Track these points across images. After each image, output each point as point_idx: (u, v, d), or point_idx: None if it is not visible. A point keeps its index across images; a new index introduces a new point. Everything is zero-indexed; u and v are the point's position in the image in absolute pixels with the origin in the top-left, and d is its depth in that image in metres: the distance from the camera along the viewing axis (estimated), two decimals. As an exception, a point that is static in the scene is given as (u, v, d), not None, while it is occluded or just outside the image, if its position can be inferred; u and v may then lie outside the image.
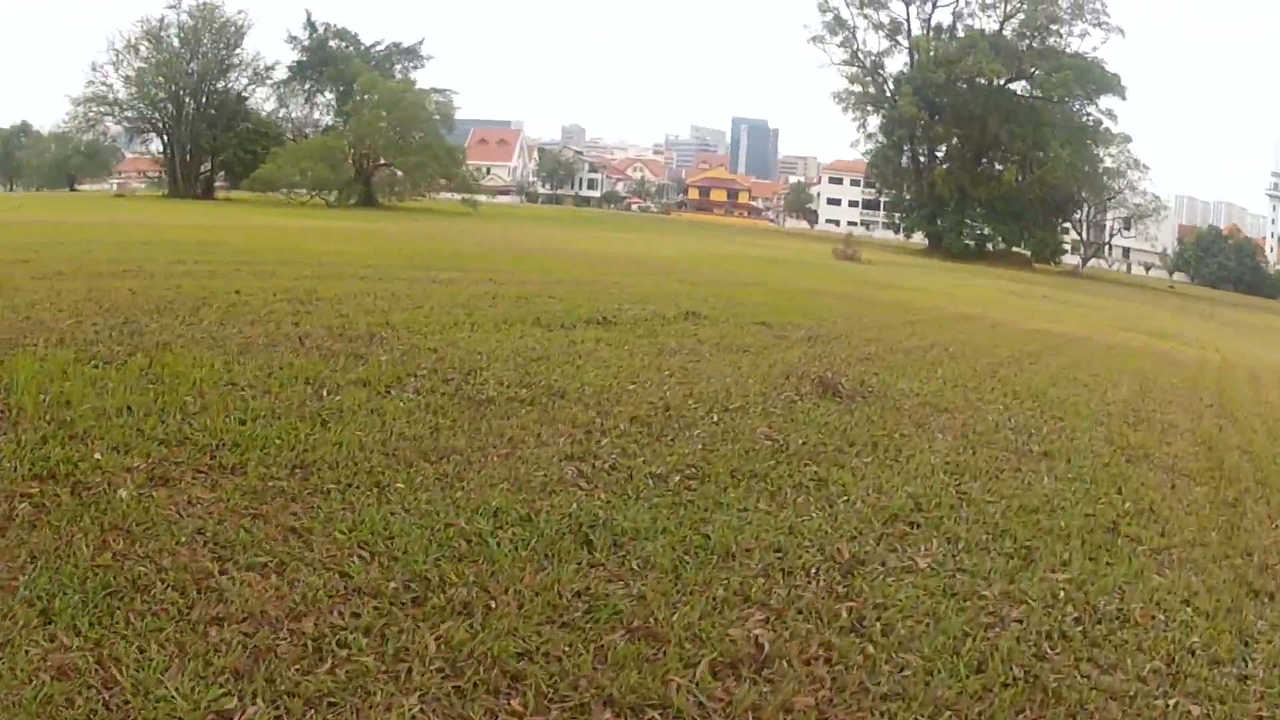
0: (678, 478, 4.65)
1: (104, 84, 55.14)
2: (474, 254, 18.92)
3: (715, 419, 5.96)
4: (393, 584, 3.18)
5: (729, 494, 4.50)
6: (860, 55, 63.17)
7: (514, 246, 23.46)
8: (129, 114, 56.82)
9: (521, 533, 3.73)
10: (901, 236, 68.41)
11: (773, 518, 4.24)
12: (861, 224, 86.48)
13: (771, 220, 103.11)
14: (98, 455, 3.95)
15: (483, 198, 76.05)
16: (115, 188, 67.27)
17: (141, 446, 4.15)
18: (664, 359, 7.88)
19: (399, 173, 52.76)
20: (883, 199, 74.15)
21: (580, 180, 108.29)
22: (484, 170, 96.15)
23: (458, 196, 55.74)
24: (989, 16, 60.55)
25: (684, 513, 4.16)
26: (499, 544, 3.59)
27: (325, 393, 5.44)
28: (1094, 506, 5.08)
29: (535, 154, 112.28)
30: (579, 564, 3.52)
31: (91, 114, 56.77)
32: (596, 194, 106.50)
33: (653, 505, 4.20)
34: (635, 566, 3.56)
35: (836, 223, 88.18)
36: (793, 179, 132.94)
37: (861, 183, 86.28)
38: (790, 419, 6.18)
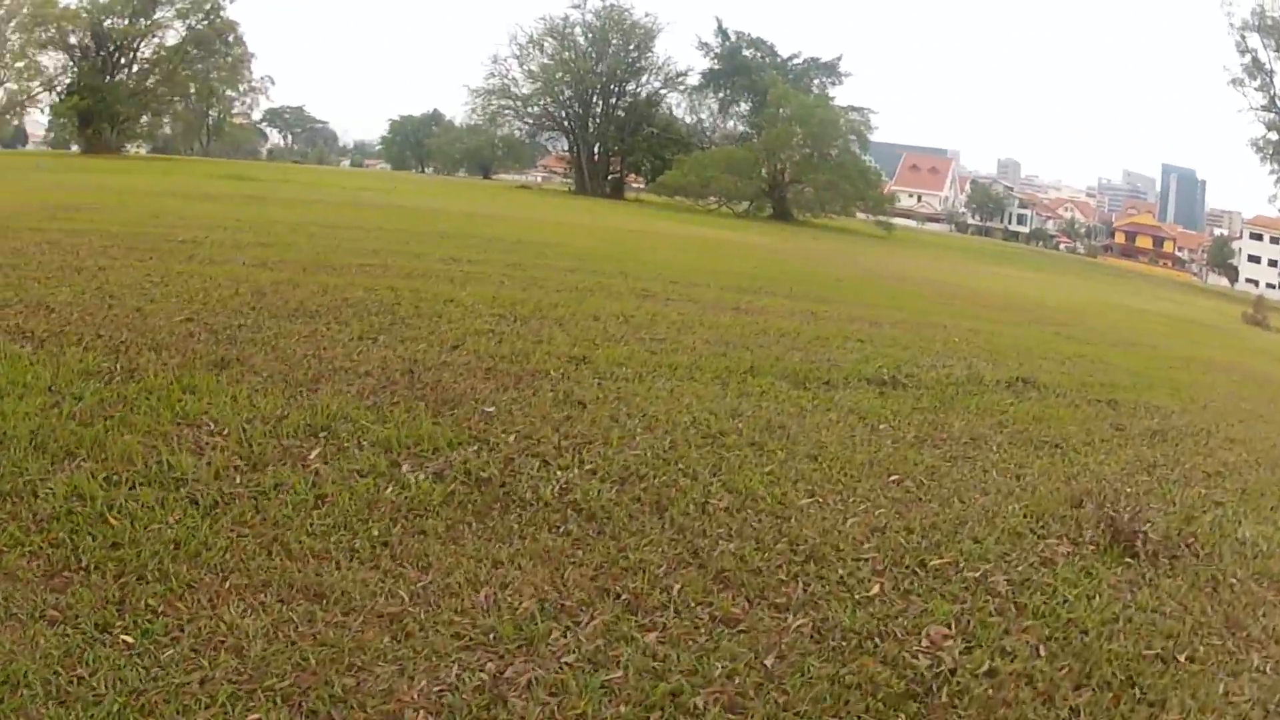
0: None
1: (506, 77, 56.64)
2: (852, 280, 17.21)
3: (895, 580, 3.67)
4: None
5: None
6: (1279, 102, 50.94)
7: (897, 276, 21.00)
8: (533, 109, 57.77)
9: None
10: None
11: None
12: (1280, 286, 72.00)
13: (1194, 274, 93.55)
14: None
15: (910, 223, 72.60)
16: (535, 180, 70.52)
17: None
18: (919, 450, 5.51)
19: (809, 189, 51.14)
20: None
21: (1010, 215, 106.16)
22: (913, 197, 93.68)
23: (873, 218, 53.32)
24: None
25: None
26: None
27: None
28: None
29: (967, 185, 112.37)
30: None
31: (492, 106, 58.11)
32: (1025, 229, 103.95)
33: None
34: None
35: (1255, 282, 76.45)
36: (1218, 231, 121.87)
37: (1282, 242, 71.42)
38: (1020, 596, 3.67)
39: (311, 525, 3.54)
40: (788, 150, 50.16)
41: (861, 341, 8.97)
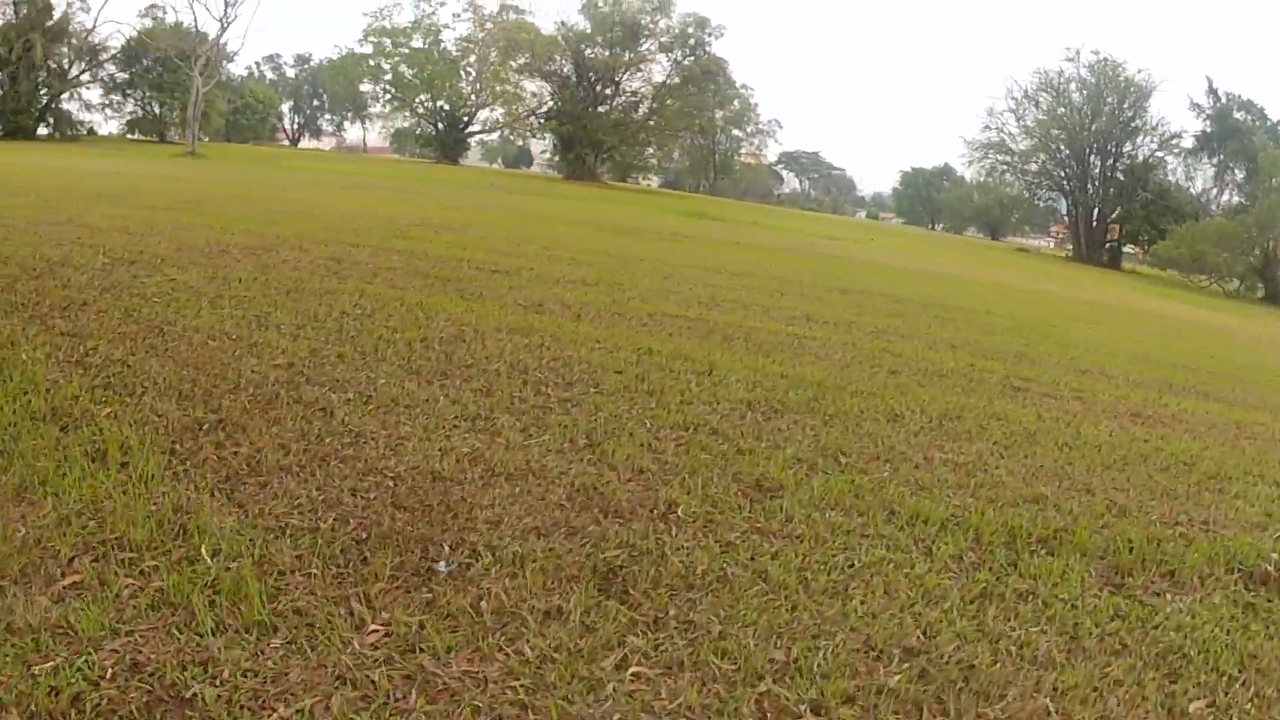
0: None
1: (1003, 131, 56.14)
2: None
3: None
4: None
5: None
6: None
7: None
8: (1031, 167, 56.89)
9: None
10: None
11: None
12: None
13: None
14: None
15: None
16: (1038, 245, 68.75)
17: None
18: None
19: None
20: None
21: None
22: None
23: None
24: None
25: None
26: None
27: None
28: None
29: None
30: None
31: (988, 160, 58.44)
32: None
33: None
34: None
35: None
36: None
37: None
38: None
39: None
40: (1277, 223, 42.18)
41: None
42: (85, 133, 49.72)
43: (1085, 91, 53.73)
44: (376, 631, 2.76)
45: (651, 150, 64.02)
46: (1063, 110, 54.01)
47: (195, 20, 55.32)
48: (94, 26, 48.66)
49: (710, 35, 57.46)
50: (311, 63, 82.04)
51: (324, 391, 5.06)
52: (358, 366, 5.70)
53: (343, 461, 4.07)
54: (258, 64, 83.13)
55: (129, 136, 52.40)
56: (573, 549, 3.39)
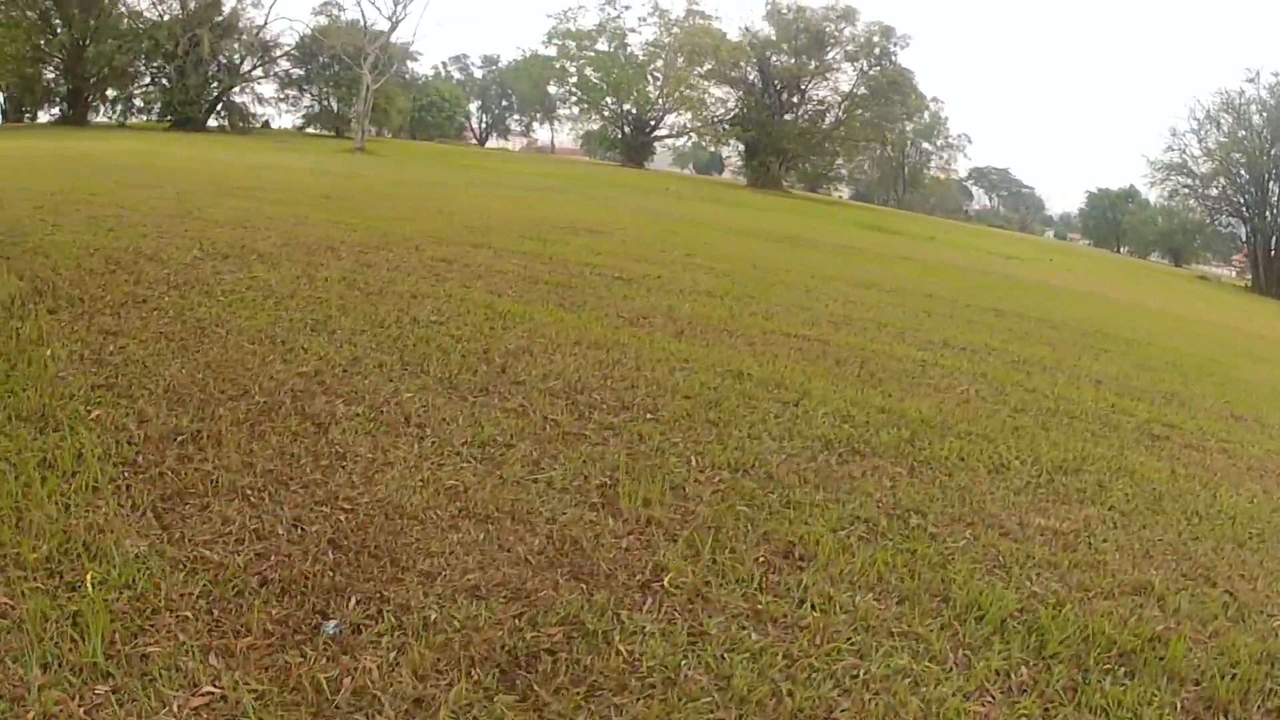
0: None
1: (1184, 153, 52.81)
2: None
3: None
4: None
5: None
6: None
7: None
8: (1211, 191, 53.07)
9: None
10: None
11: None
12: None
13: None
14: None
15: None
16: (1220, 274, 64.56)
17: None
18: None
19: None
20: None
21: None
22: None
23: None
24: None
25: None
26: None
27: None
28: None
29: None
30: None
31: (1170, 182, 54.92)
32: None
33: None
34: None
35: None
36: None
37: None
38: None
39: None
40: None
41: None
42: (260, 126, 52.97)
43: (1265, 114, 49.32)
44: (208, 695, 2.38)
45: (840, 161, 63.14)
46: (1243, 133, 50.02)
47: (363, 18, 57.47)
48: (265, 23, 51.49)
49: (896, 45, 56.06)
50: (499, 64, 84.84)
51: (333, 404, 4.77)
52: (391, 378, 5.40)
53: (304, 487, 3.73)
54: (444, 64, 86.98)
55: (306, 131, 55.37)
56: (501, 621, 2.88)
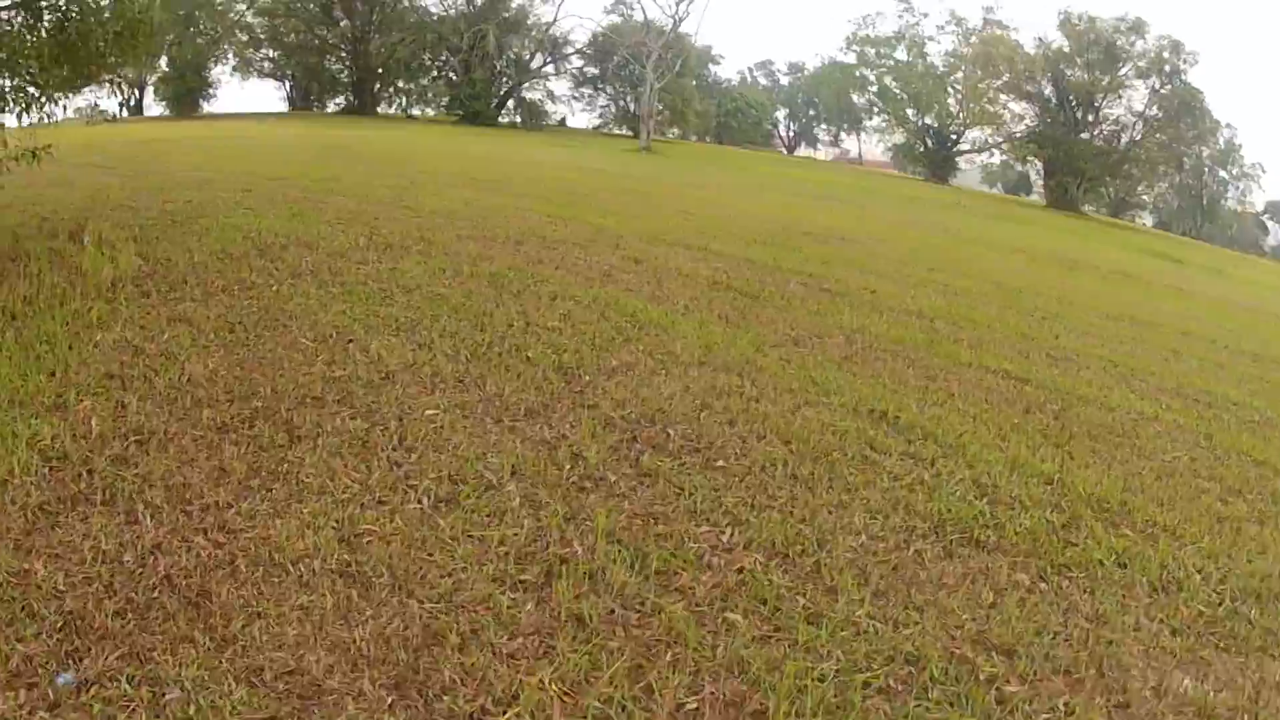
0: None
1: None
2: None
3: None
4: None
5: None
6: None
7: None
8: None
9: None
10: None
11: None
12: None
13: None
14: None
15: None
16: None
17: None
18: None
19: None
20: None
21: None
22: None
23: None
24: None
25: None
26: None
27: None
28: None
29: None
30: None
31: None
32: None
33: None
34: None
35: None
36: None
37: None
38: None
39: None
40: None
41: None
42: (558, 123, 55.24)
43: None
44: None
45: (1142, 186, 58.28)
46: None
47: (644, 14, 58.19)
48: (554, 19, 53.10)
49: (1185, 62, 50.45)
50: (805, 71, 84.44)
51: (328, 418, 4.42)
52: (434, 389, 4.96)
53: (203, 509, 3.44)
54: (750, 69, 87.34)
55: (601, 130, 57.26)
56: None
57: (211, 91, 46.72)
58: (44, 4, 7.59)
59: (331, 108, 50.07)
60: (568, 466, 4.27)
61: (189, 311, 5.91)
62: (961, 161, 63.64)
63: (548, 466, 4.23)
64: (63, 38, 7.57)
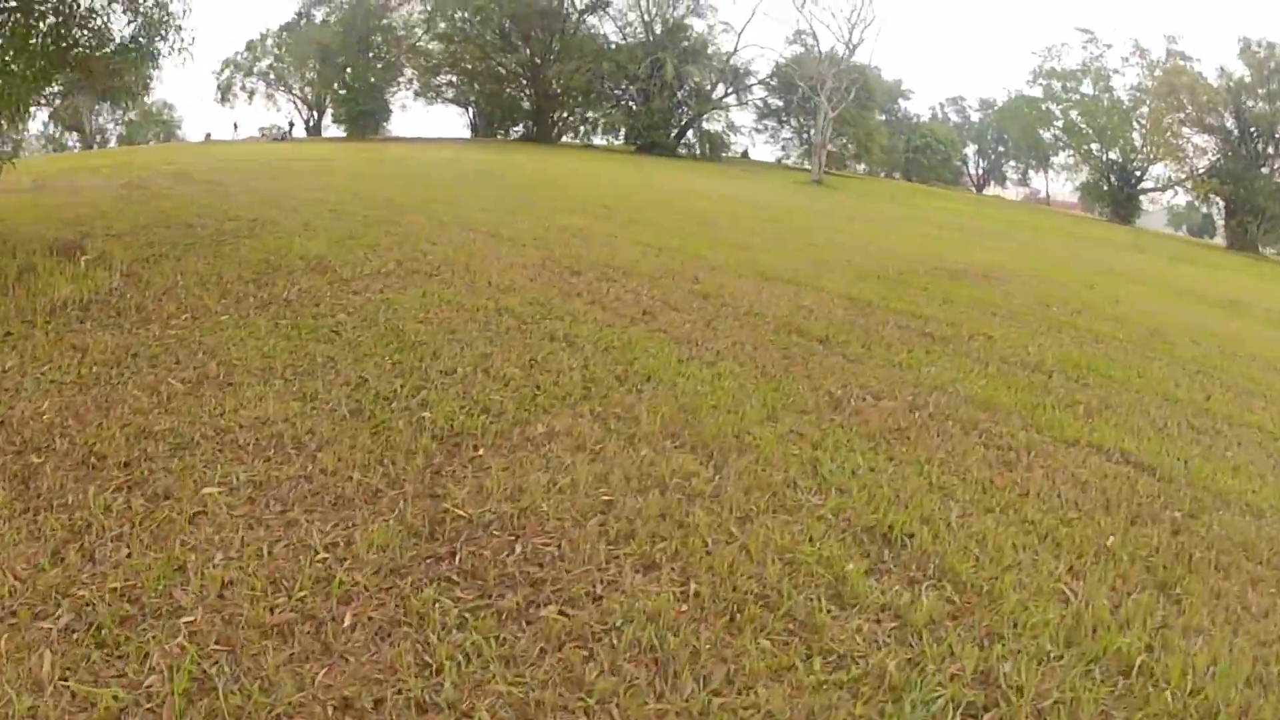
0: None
1: None
2: None
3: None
4: None
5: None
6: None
7: None
8: None
9: None
10: None
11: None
12: None
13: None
14: None
15: None
16: None
17: None
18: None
19: None
20: None
21: None
22: None
23: None
24: None
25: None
26: None
27: None
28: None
29: None
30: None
31: None
32: None
33: None
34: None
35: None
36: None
37: None
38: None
39: None
40: None
41: None
42: (740, 155, 53.92)
43: None
44: None
45: None
46: None
47: (817, 45, 55.45)
48: (735, 49, 51.47)
49: None
50: (995, 107, 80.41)
51: (76, 485, 3.50)
52: (226, 457, 3.97)
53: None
54: (941, 104, 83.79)
55: (783, 162, 55.51)
56: None
57: (389, 115, 48.17)
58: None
59: (513, 135, 49.86)
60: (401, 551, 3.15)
61: (99, 340, 5.22)
62: (1145, 201, 59.21)
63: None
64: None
